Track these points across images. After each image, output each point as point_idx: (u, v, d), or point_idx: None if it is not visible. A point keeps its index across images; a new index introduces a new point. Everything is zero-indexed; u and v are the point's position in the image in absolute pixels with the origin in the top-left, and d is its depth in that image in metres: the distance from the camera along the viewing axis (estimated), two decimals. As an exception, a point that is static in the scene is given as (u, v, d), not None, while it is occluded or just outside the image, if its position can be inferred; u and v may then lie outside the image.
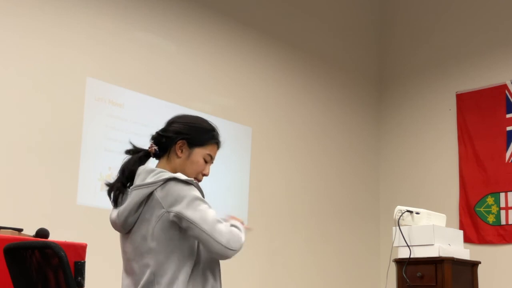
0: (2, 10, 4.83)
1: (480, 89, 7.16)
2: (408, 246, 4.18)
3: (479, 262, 4.37)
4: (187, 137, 2.29)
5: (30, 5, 4.99)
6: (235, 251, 2.12)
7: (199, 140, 2.31)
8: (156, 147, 2.30)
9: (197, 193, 2.17)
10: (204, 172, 2.34)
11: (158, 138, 2.31)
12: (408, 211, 4.32)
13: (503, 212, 6.75)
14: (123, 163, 2.33)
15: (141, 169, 2.26)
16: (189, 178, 2.17)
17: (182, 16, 6.05)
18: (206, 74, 6.18)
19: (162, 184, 2.15)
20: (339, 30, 7.69)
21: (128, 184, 2.30)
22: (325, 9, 7.52)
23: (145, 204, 2.17)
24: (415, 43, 7.81)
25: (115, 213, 2.31)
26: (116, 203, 2.33)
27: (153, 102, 5.68)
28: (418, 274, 4.14)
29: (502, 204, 6.76)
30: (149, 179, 2.19)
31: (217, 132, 2.37)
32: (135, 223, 2.21)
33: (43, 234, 3.24)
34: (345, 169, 7.50)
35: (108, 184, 2.37)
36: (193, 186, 2.17)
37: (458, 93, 7.33)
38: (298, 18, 7.17)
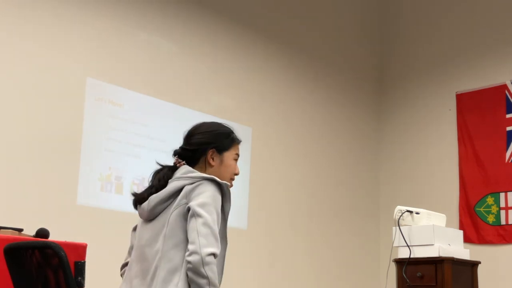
0: (2, 11, 4.83)
1: (480, 89, 7.16)
2: (408, 246, 4.18)
3: (479, 262, 4.37)
4: (214, 145, 2.38)
5: (30, 5, 4.99)
6: (206, 276, 2.06)
7: (225, 144, 2.41)
8: (183, 162, 2.36)
9: (219, 197, 2.21)
10: (236, 171, 2.45)
11: (184, 154, 2.38)
12: (408, 211, 4.32)
13: (503, 212, 6.75)
14: (154, 175, 2.37)
15: (183, 167, 2.32)
16: (224, 182, 2.24)
17: (182, 16, 6.05)
18: (206, 74, 6.18)
19: (198, 181, 2.21)
20: (339, 31, 7.69)
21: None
22: (325, 10, 7.52)
23: (177, 195, 2.22)
24: (415, 44, 7.81)
25: (145, 202, 2.30)
26: (141, 202, 2.33)
27: (153, 102, 5.68)
28: (418, 274, 4.14)
29: (502, 204, 6.76)
30: (188, 174, 2.26)
31: (234, 132, 2.48)
32: (161, 211, 2.24)
33: (43, 234, 3.24)
34: (345, 169, 7.50)
35: (136, 194, 2.35)
36: (220, 191, 2.22)
37: (458, 93, 7.33)
38: (298, 19, 7.17)
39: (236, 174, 2.45)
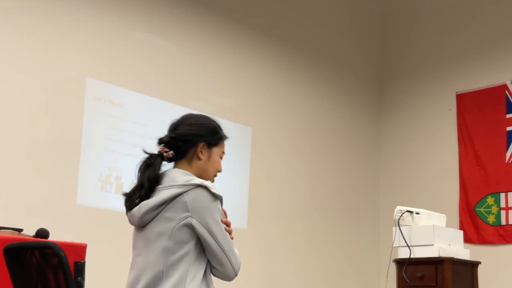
0: (2, 10, 4.83)
1: (480, 89, 7.16)
2: (408, 246, 4.18)
3: (479, 262, 4.37)
4: (205, 139, 2.33)
5: (30, 5, 4.98)
6: (235, 276, 2.24)
7: (215, 140, 2.36)
8: (172, 152, 2.31)
9: (220, 209, 2.22)
10: (220, 169, 2.39)
11: (173, 143, 2.32)
12: (408, 211, 4.32)
13: (503, 212, 6.75)
14: (142, 170, 2.31)
15: (169, 171, 2.28)
16: (218, 193, 2.21)
17: (182, 16, 6.05)
18: (206, 74, 6.18)
19: (192, 189, 2.17)
20: (340, 30, 7.69)
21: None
22: (325, 9, 7.52)
23: (168, 203, 2.17)
24: (415, 43, 7.82)
25: (136, 207, 2.25)
26: (132, 207, 2.27)
27: (153, 102, 5.68)
28: (418, 274, 4.14)
29: (502, 204, 6.76)
30: (180, 181, 2.20)
31: (222, 128, 2.42)
32: (152, 219, 2.19)
33: (43, 234, 3.24)
34: (345, 169, 7.50)
35: (127, 194, 2.30)
36: (218, 200, 2.21)
37: (458, 93, 7.33)
38: (298, 18, 7.17)
39: (219, 171, 2.40)
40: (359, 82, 7.87)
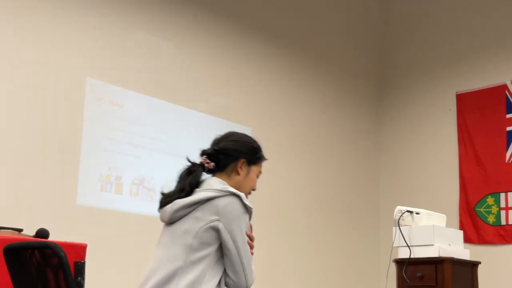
0: (1, 11, 4.83)
1: (480, 89, 7.16)
2: (408, 246, 4.18)
3: (479, 262, 4.37)
4: (246, 156, 2.44)
5: (29, 5, 4.98)
6: None
7: (255, 159, 2.48)
8: (213, 164, 2.39)
9: (248, 222, 2.33)
10: (255, 187, 2.51)
11: (215, 155, 2.41)
12: (408, 211, 4.32)
13: (503, 212, 6.75)
14: (183, 176, 2.38)
15: (209, 178, 2.38)
16: (249, 205, 2.32)
17: (182, 16, 6.05)
18: (206, 74, 6.18)
19: (226, 195, 2.26)
20: (339, 31, 7.69)
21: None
22: (325, 10, 7.52)
23: (201, 204, 2.25)
24: (415, 44, 7.82)
25: (169, 204, 2.33)
26: (166, 204, 2.35)
27: (153, 102, 5.68)
28: (418, 274, 4.14)
29: (502, 204, 6.76)
30: (217, 187, 2.29)
31: (261, 149, 2.54)
32: (182, 217, 2.27)
33: (43, 234, 3.24)
34: (345, 169, 7.50)
35: (165, 194, 2.38)
36: (248, 213, 2.32)
37: (458, 93, 7.33)
38: (298, 19, 7.17)
39: (254, 190, 2.51)
40: (359, 82, 7.87)
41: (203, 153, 2.43)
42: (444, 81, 7.48)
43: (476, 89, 7.19)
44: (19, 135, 4.82)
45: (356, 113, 7.77)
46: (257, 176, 2.50)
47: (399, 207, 4.36)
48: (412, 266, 4.17)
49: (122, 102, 5.47)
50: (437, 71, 7.57)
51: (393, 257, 4.31)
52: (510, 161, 6.80)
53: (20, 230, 3.28)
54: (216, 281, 2.22)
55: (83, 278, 3.08)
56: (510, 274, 6.58)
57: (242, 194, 2.28)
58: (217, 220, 2.22)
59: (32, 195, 4.80)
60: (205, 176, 2.41)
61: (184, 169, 2.40)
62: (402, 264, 4.21)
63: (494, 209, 6.81)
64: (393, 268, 4.33)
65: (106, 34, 5.43)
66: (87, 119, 5.20)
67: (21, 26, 4.92)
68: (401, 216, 4.30)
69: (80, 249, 3.15)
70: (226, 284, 2.28)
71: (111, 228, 5.22)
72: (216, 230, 2.22)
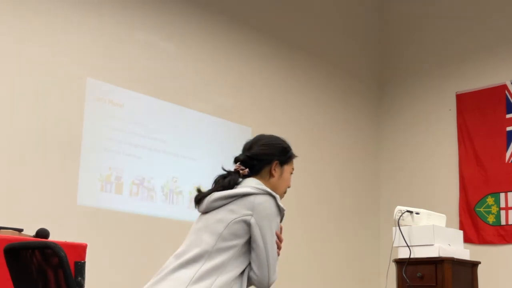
0: (2, 11, 4.83)
1: (480, 89, 7.16)
2: (408, 246, 4.18)
3: (479, 262, 4.37)
4: (278, 158, 2.55)
5: (30, 5, 4.99)
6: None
7: (286, 158, 2.59)
8: (247, 170, 2.49)
9: (279, 222, 2.41)
10: (289, 185, 2.63)
11: (248, 161, 2.51)
12: (408, 211, 4.32)
13: (503, 212, 6.75)
14: (220, 179, 2.46)
15: (246, 179, 2.47)
16: (282, 206, 2.40)
17: (182, 16, 6.05)
18: (206, 74, 6.18)
19: (262, 194, 2.35)
20: (340, 31, 7.69)
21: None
22: (325, 10, 7.52)
23: (238, 198, 2.34)
24: (415, 44, 7.82)
25: (207, 194, 2.44)
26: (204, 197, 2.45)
27: (153, 102, 5.68)
28: (418, 274, 4.14)
29: (502, 204, 6.76)
30: (255, 185, 2.40)
31: (291, 147, 2.66)
32: (218, 207, 2.36)
33: (43, 234, 3.24)
34: (345, 169, 7.50)
35: (202, 191, 2.46)
36: (280, 215, 2.41)
37: (458, 93, 7.33)
38: (298, 19, 7.17)
39: (289, 187, 2.61)
40: (359, 82, 7.87)
41: (236, 160, 2.53)
42: (444, 81, 7.48)
43: (476, 89, 7.19)
44: (19, 135, 4.82)
45: (356, 113, 7.76)
46: (291, 174, 2.62)
47: (399, 207, 4.36)
48: (412, 266, 4.17)
49: (122, 102, 5.47)
50: (437, 71, 7.57)
51: (393, 257, 4.31)
52: (510, 161, 6.80)
53: (20, 230, 3.28)
54: (238, 271, 2.29)
55: (83, 278, 3.08)
56: (510, 274, 6.58)
57: (277, 196, 2.38)
58: (250, 215, 2.31)
59: (32, 195, 4.80)
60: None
61: (219, 174, 2.49)
62: (402, 264, 4.21)
63: (494, 209, 6.81)
64: (393, 268, 4.33)
65: (106, 34, 5.43)
66: (87, 119, 5.20)
67: (21, 26, 4.92)
68: (401, 216, 4.31)
69: (80, 249, 3.15)
70: (249, 278, 2.35)
71: (111, 228, 5.22)
72: (248, 224, 2.30)
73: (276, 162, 2.53)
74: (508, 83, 6.94)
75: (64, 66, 5.12)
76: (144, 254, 5.34)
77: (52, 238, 3.17)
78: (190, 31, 6.09)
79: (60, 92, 5.07)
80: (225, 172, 2.48)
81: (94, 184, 5.19)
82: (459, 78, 7.35)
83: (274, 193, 2.37)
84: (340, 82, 7.61)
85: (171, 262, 2.32)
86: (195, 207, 2.46)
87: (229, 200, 2.35)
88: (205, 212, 2.40)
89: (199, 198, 2.43)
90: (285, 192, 2.59)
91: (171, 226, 5.49)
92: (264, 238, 2.32)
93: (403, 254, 4.23)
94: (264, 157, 2.52)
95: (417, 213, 4.32)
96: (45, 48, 5.03)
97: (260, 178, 2.48)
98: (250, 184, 2.40)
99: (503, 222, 6.74)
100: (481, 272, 4.43)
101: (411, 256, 4.16)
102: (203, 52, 6.18)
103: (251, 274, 2.34)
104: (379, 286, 7.32)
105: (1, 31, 4.81)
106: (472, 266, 4.31)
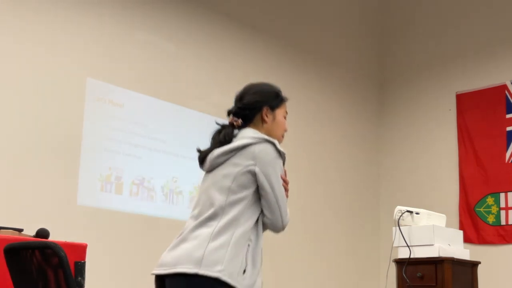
0: (2, 11, 4.83)
1: (480, 89, 7.16)
2: (408, 246, 4.18)
3: (479, 262, 4.37)
4: (267, 103, 2.56)
5: (30, 6, 4.99)
6: (282, 231, 2.47)
7: (277, 102, 2.60)
8: (241, 120, 2.52)
9: (282, 165, 2.45)
10: (285, 128, 2.63)
11: (240, 112, 2.54)
12: (408, 211, 4.32)
13: (503, 212, 6.75)
14: (216, 134, 2.51)
15: (242, 130, 2.51)
16: (282, 150, 2.45)
17: (182, 16, 6.05)
18: (206, 74, 6.18)
19: (261, 142, 2.41)
20: (340, 31, 7.69)
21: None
22: (325, 10, 7.52)
23: (238, 151, 2.40)
24: (415, 44, 7.82)
25: (210, 154, 2.49)
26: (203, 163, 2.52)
27: (153, 102, 5.68)
28: (418, 274, 4.14)
29: (502, 204, 6.77)
30: (252, 135, 2.45)
31: (282, 92, 2.68)
32: (221, 164, 2.43)
33: (43, 234, 3.24)
34: (345, 170, 7.50)
35: (202, 150, 2.53)
36: (281, 158, 2.45)
37: (458, 93, 7.33)
38: (299, 18, 7.17)
39: (285, 131, 2.62)
40: (359, 83, 7.87)
41: (229, 112, 2.56)
42: (444, 81, 7.48)
43: (476, 89, 7.19)
44: (20, 135, 4.82)
45: (356, 114, 7.76)
46: (284, 118, 2.62)
47: (399, 207, 4.36)
48: (412, 266, 4.17)
49: (122, 102, 5.47)
50: (437, 71, 7.57)
51: (393, 257, 4.31)
52: (510, 161, 6.80)
53: (20, 230, 3.28)
54: (253, 220, 2.36)
55: (83, 278, 3.08)
56: (510, 274, 6.58)
57: (275, 141, 2.43)
58: (254, 164, 2.37)
59: (32, 195, 4.81)
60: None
61: (215, 130, 2.52)
62: (402, 264, 4.21)
63: (494, 209, 6.81)
64: (393, 268, 4.33)
65: (106, 34, 5.43)
66: (87, 119, 5.20)
67: (21, 26, 4.92)
68: (401, 216, 4.31)
69: (80, 249, 3.16)
70: (263, 224, 2.41)
71: (111, 228, 5.22)
72: (253, 174, 2.36)
73: (266, 107, 2.55)
74: (508, 83, 6.94)
75: (64, 66, 5.12)
76: (144, 254, 5.34)
77: (52, 238, 3.17)
78: (190, 31, 6.09)
79: (60, 92, 5.07)
80: (219, 127, 2.52)
81: (94, 184, 5.19)
82: (459, 78, 7.35)
83: (271, 139, 2.42)
84: (340, 83, 7.60)
85: (190, 223, 2.39)
86: (200, 167, 2.51)
87: (231, 154, 2.40)
88: (209, 170, 2.46)
89: (202, 157, 2.48)
90: (282, 136, 2.62)
91: (171, 226, 5.49)
92: (271, 183, 2.37)
93: (403, 254, 4.23)
94: (255, 104, 2.55)
95: (417, 213, 4.32)
96: (45, 48, 5.03)
97: (254, 126, 2.52)
98: (247, 135, 2.44)
99: (503, 222, 6.74)
100: (481, 272, 4.43)
101: (411, 256, 4.16)
102: (203, 52, 6.18)
103: (265, 220, 2.41)
104: (379, 286, 7.32)
105: (1, 31, 4.81)
106: (472, 266, 4.32)
